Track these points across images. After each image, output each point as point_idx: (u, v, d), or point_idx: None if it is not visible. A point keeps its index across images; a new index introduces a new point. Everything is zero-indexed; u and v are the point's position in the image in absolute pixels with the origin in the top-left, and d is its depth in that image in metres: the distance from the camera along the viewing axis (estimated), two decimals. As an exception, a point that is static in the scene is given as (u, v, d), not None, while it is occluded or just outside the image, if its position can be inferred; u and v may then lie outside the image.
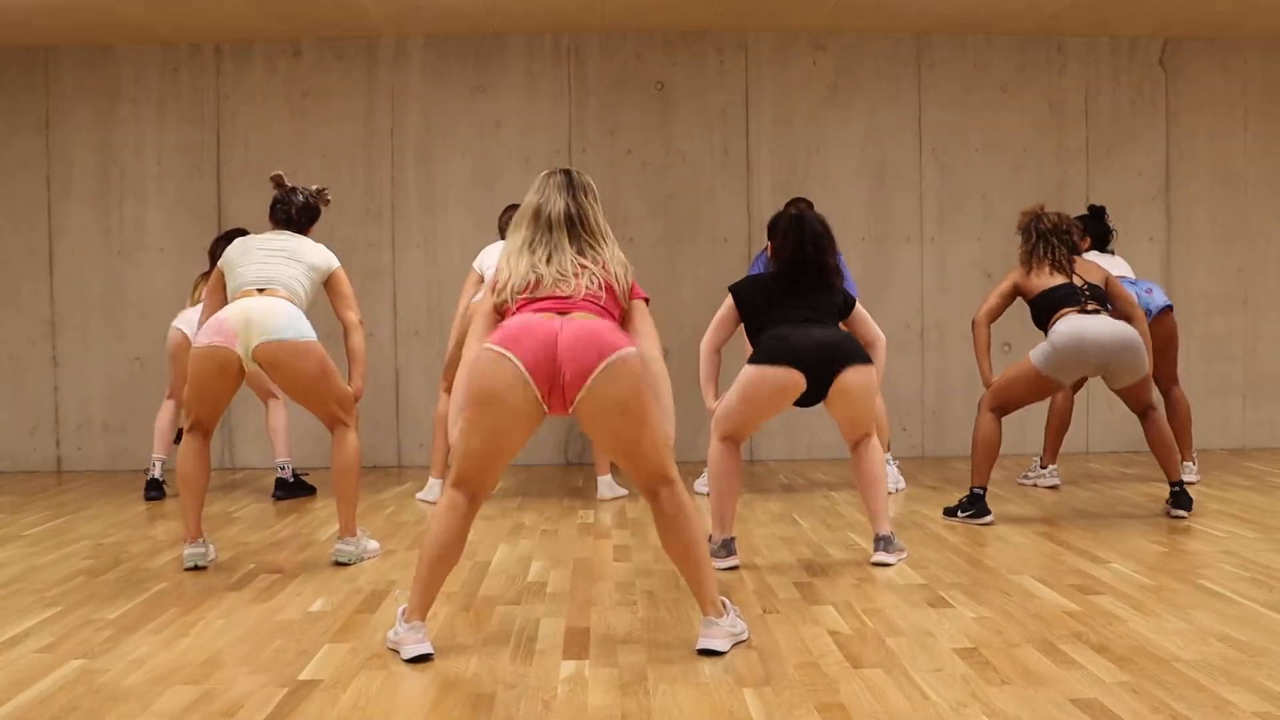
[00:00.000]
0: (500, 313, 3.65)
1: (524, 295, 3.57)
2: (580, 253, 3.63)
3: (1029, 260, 5.87)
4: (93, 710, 3.09)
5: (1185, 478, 6.75)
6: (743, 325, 4.99)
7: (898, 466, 7.00)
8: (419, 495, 6.70)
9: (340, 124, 8.18)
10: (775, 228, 4.98)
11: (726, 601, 3.68)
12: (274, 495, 6.82)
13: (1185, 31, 8.29)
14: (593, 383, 3.40)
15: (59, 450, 8.23)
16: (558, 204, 3.64)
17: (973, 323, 5.98)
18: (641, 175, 8.27)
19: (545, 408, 3.46)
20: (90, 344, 8.19)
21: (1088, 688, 3.18)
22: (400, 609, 3.65)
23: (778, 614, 4.04)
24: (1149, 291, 6.67)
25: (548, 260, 3.59)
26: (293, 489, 6.83)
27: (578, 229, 3.64)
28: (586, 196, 3.68)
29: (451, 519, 3.53)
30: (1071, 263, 5.83)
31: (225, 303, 4.92)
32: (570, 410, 3.47)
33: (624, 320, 3.68)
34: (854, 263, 8.11)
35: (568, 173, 3.73)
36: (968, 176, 8.37)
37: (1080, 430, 8.33)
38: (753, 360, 4.74)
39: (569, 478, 7.50)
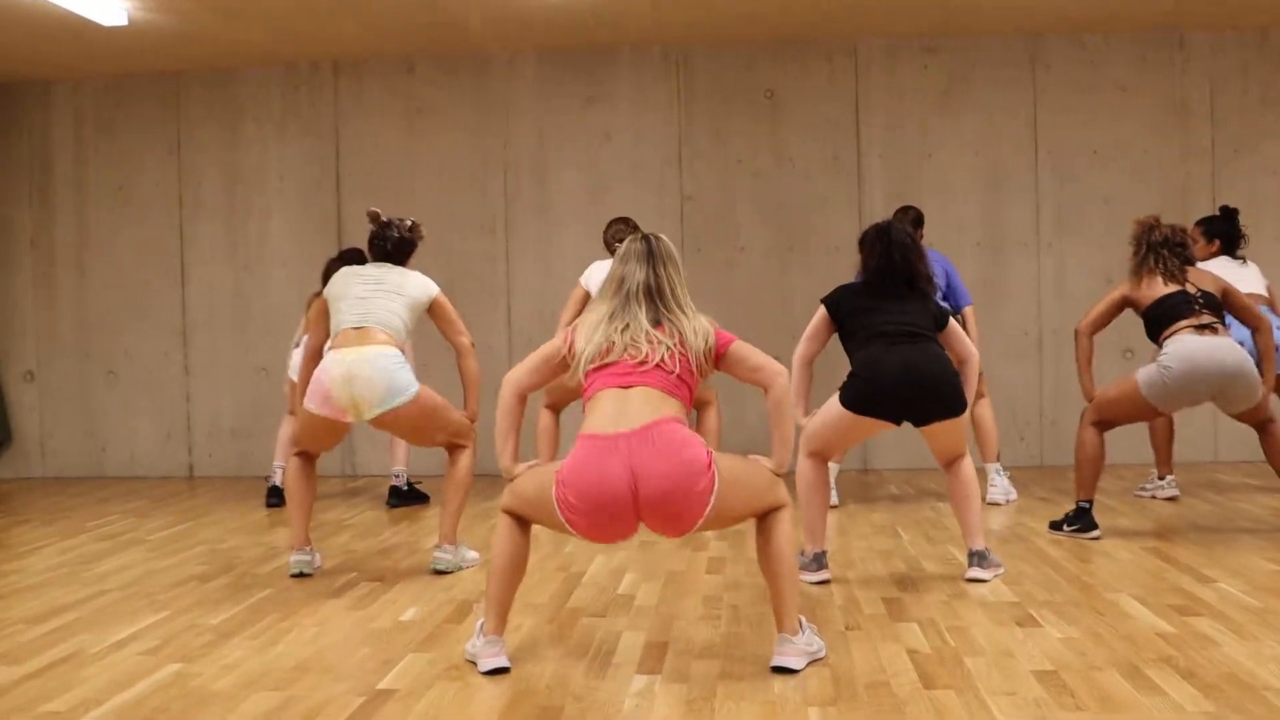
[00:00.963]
0: (560, 370, 3.68)
1: (595, 364, 3.58)
2: (656, 323, 3.61)
3: (1139, 271, 5.70)
4: (181, 712, 3.23)
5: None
6: (838, 335, 4.96)
7: (1008, 477, 6.87)
8: None
9: (454, 138, 8.36)
10: (864, 242, 4.95)
11: (803, 620, 3.68)
12: (388, 503, 7.01)
13: (1320, 20, 7.97)
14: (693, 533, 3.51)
15: (191, 457, 8.59)
16: (638, 275, 3.65)
17: (1075, 332, 5.82)
18: (752, 184, 8.27)
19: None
20: (219, 354, 8.53)
21: (1166, 716, 3.10)
22: (479, 622, 3.73)
23: (859, 630, 4.01)
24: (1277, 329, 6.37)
25: (624, 330, 3.60)
26: (407, 497, 7.01)
27: (655, 300, 3.64)
28: (667, 267, 3.67)
29: (509, 538, 3.60)
30: (1184, 273, 5.65)
31: (327, 334, 5.05)
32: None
33: (726, 367, 3.66)
34: (969, 269, 8.01)
35: (648, 241, 3.72)
36: (1086, 181, 8.18)
37: (1208, 438, 8.09)
38: (843, 399, 4.70)
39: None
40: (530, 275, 8.34)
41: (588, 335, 3.63)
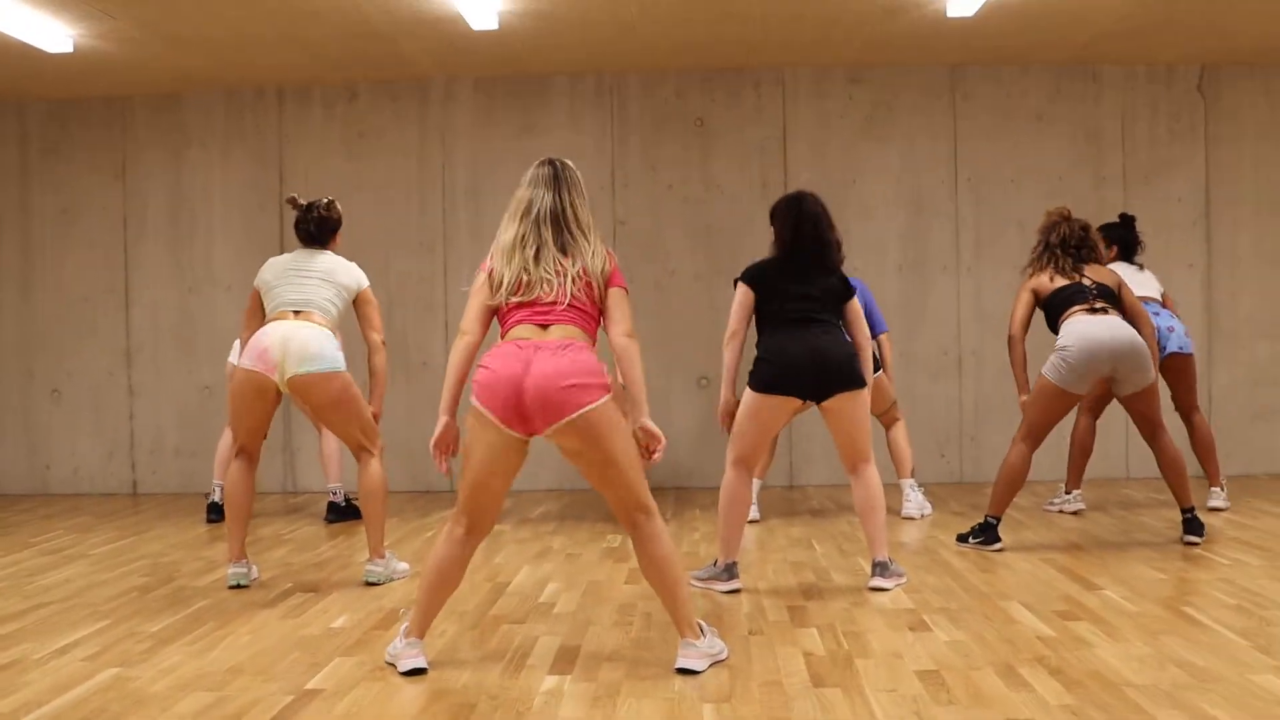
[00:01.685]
0: (494, 309, 3.95)
1: (515, 298, 3.85)
2: (563, 249, 3.86)
3: (1035, 263, 6.03)
4: (118, 714, 3.45)
5: (1213, 504, 6.86)
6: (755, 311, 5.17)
7: (923, 492, 7.17)
8: None
9: (394, 162, 8.60)
10: (775, 214, 5.19)
11: (704, 624, 3.94)
12: (326, 518, 7.21)
13: (1223, 57, 8.38)
14: (557, 429, 3.72)
15: (134, 474, 8.75)
16: (545, 200, 3.88)
17: (1010, 339, 6.04)
18: (682, 209, 8.56)
19: (524, 439, 3.76)
20: (163, 374, 8.70)
21: (1030, 709, 3.38)
22: (403, 626, 3.96)
23: (761, 635, 4.28)
24: (1170, 329, 6.72)
25: (536, 258, 3.84)
26: (344, 512, 7.21)
27: (561, 224, 3.88)
28: (572, 191, 3.92)
29: (449, 547, 3.84)
30: (1080, 271, 5.96)
31: (262, 322, 5.31)
32: (546, 437, 3.77)
33: (603, 310, 3.94)
34: (890, 292, 8.34)
35: (553, 165, 3.96)
36: (1004, 206, 8.53)
37: (1119, 456, 8.44)
38: (753, 382, 4.99)
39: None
40: (467, 295, 8.57)
41: (504, 260, 3.86)
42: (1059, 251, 6.00)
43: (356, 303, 5.43)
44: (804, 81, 8.54)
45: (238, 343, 7.14)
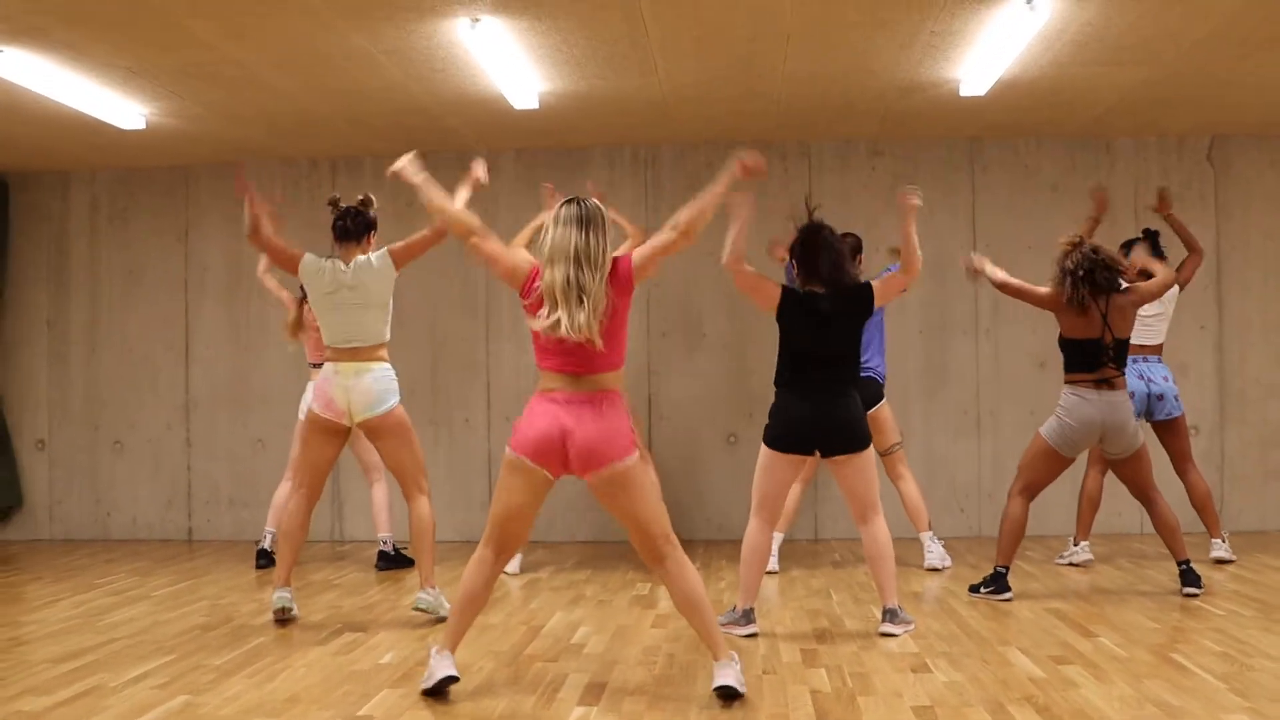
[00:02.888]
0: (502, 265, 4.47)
1: (551, 342, 4.27)
2: (583, 289, 4.22)
3: (1059, 290, 6.25)
4: (190, 736, 3.86)
5: (1217, 554, 7.14)
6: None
7: (943, 545, 7.48)
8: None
9: (440, 229, 9.07)
10: (794, 244, 5.67)
11: (734, 654, 4.33)
12: (376, 566, 7.62)
13: (1232, 129, 8.74)
14: (594, 479, 4.24)
15: (190, 521, 9.22)
16: (577, 239, 4.28)
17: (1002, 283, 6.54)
18: (715, 276, 8.96)
19: (555, 478, 4.29)
20: (219, 427, 9.19)
21: (1013, 740, 3.73)
22: (434, 649, 4.39)
23: (774, 674, 4.65)
24: (1159, 398, 7.05)
25: (578, 302, 4.20)
26: (394, 561, 7.61)
27: (583, 264, 4.27)
28: (596, 230, 4.34)
29: (479, 570, 4.36)
30: (1106, 304, 6.16)
31: (319, 341, 6.15)
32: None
33: (639, 270, 4.43)
34: (913, 354, 8.73)
35: (579, 204, 4.40)
36: (1021, 273, 8.82)
37: (1134, 512, 8.71)
38: (766, 439, 5.44)
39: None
40: (507, 354, 9.03)
41: (550, 304, 4.24)
42: (1080, 275, 6.15)
43: (398, 257, 5.93)
44: (828, 154, 8.98)
45: (309, 388, 7.56)
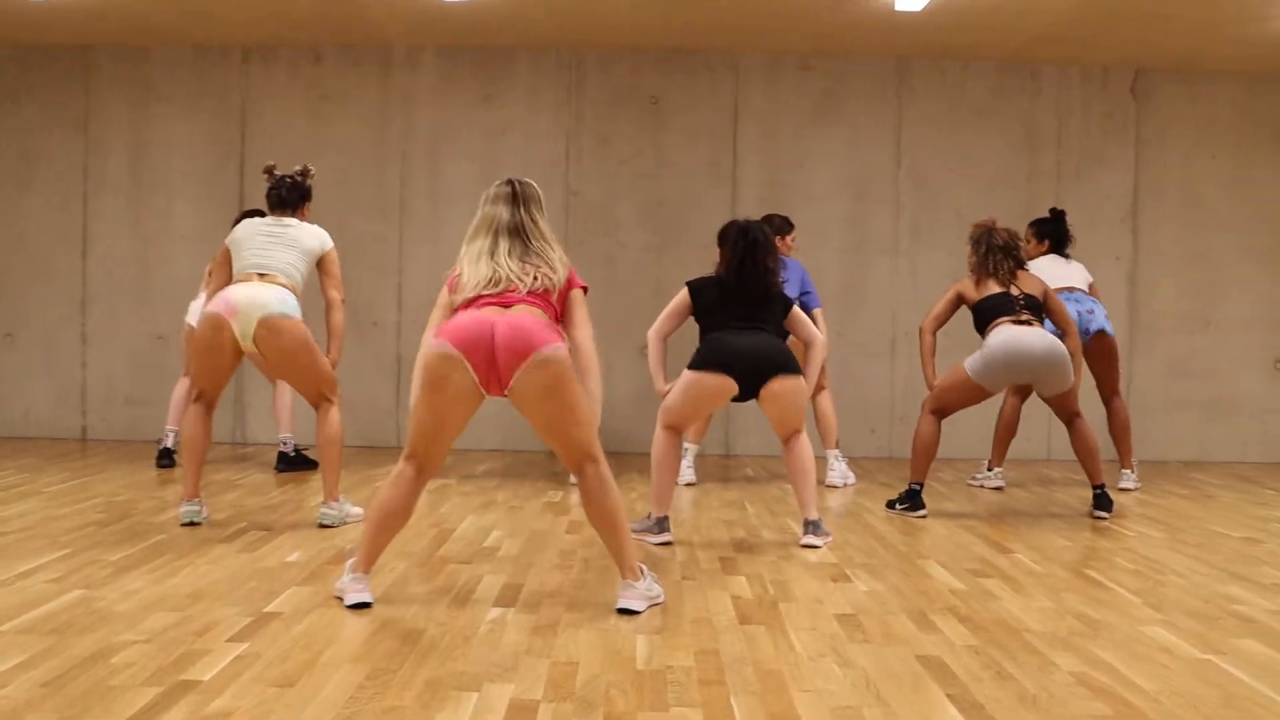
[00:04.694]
0: (455, 308, 4.21)
1: (477, 292, 4.12)
2: (524, 259, 4.17)
3: (978, 271, 6.34)
4: (87, 627, 3.67)
5: (1124, 484, 7.25)
6: (694, 320, 5.50)
7: (847, 463, 7.49)
8: None
9: (356, 126, 8.79)
10: (724, 238, 5.50)
11: (644, 568, 4.21)
12: (276, 468, 7.42)
13: (1155, 63, 8.76)
14: (523, 372, 3.96)
15: (85, 420, 8.89)
16: (506, 215, 4.19)
17: (920, 330, 6.48)
18: (634, 184, 8.83)
19: (484, 391, 4.02)
20: (118, 322, 8.85)
21: (936, 649, 3.70)
22: (349, 561, 4.21)
23: (693, 580, 4.58)
24: (1090, 312, 7.11)
25: (505, 259, 4.14)
26: (293, 463, 7.41)
27: (523, 236, 4.20)
28: (530, 208, 4.23)
29: (399, 487, 4.07)
30: (1014, 276, 6.32)
31: (229, 280, 5.54)
32: (505, 393, 4.02)
33: (564, 312, 4.24)
34: (831, 273, 8.65)
35: (512, 185, 4.26)
36: (942, 194, 8.88)
37: (1042, 438, 8.83)
38: (693, 364, 5.28)
39: (550, 463, 8.05)
40: (421, 257, 8.80)
41: (472, 268, 4.15)
42: (999, 255, 6.30)
43: (321, 263, 5.68)
44: (756, 66, 8.83)
45: (194, 303, 7.33)
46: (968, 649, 3.69)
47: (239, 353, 5.42)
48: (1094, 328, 7.06)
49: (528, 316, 4.03)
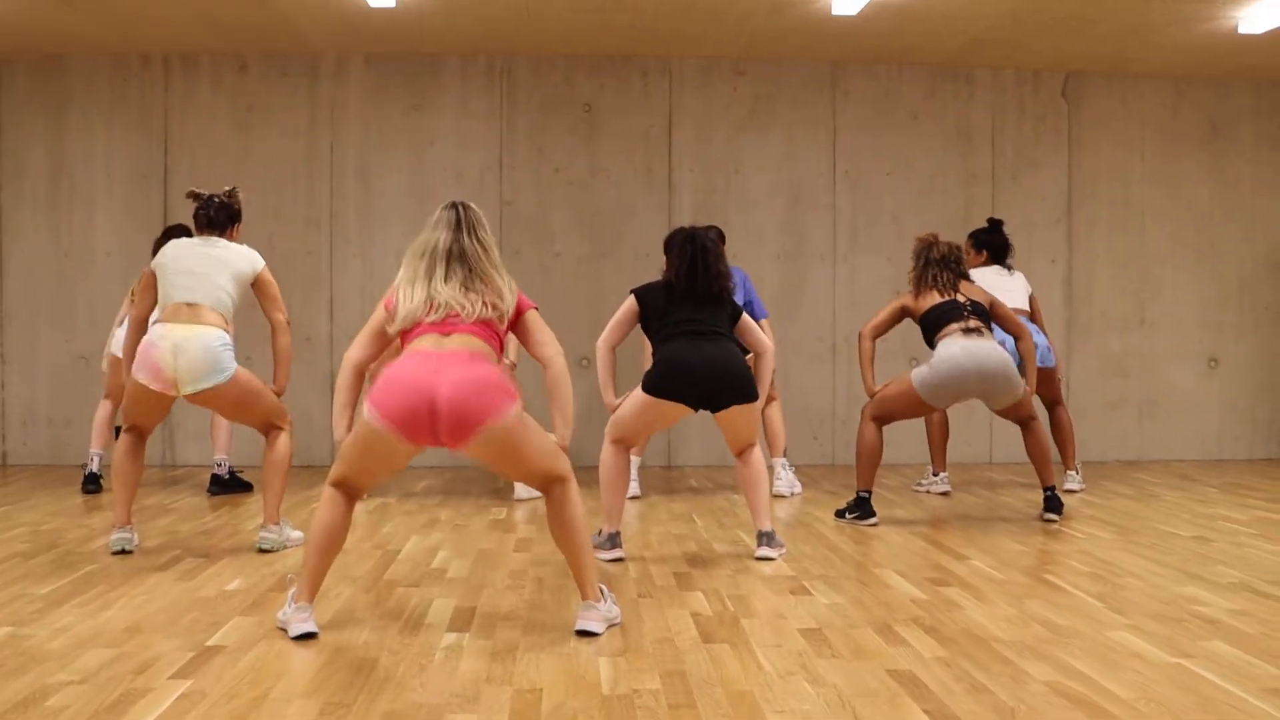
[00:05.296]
0: (389, 335, 4.04)
1: (414, 320, 3.92)
2: (468, 286, 3.95)
3: (918, 284, 6.31)
4: (16, 669, 3.45)
5: (1069, 486, 7.26)
6: (641, 328, 5.38)
7: (793, 471, 7.42)
8: None
9: (282, 138, 8.57)
10: (671, 245, 5.38)
11: (604, 589, 4.08)
12: (209, 490, 7.17)
13: (1086, 65, 8.82)
14: (470, 443, 3.79)
15: (4, 445, 8.56)
16: (446, 240, 3.99)
17: (859, 335, 6.41)
18: (568, 193, 8.70)
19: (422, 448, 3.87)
20: (38, 342, 8.53)
21: (907, 662, 3.61)
22: (291, 591, 4.03)
23: (650, 598, 4.45)
24: (1043, 347, 7.07)
25: (443, 282, 3.94)
26: (228, 485, 7.18)
27: (468, 261, 3.98)
28: (476, 232, 4.02)
29: (333, 510, 3.90)
30: (956, 286, 6.28)
31: (154, 302, 5.30)
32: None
33: (523, 335, 4.10)
34: (769, 279, 8.58)
35: (457, 210, 4.06)
36: (879, 198, 8.85)
37: (983, 442, 8.83)
38: (646, 386, 5.13)
39: (491, 479, 7.89)
40: (352, 270, 8.60)
41: (407, 294, 3.96)
42: (939, 268, 6.25)
43: (256, 285, 5.42)
44: (690, 72, 8.75)
45: (119, 330, 7.02)
46: (938, 661, 3.61)
47: (170, 402, 5.23)
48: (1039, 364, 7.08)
49: (473, 371, 3.80)
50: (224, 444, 7.17)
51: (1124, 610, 4.26)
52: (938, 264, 6.27)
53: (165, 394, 5.12)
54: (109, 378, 7.11)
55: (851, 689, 3.33)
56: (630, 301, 5.34)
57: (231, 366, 5.17)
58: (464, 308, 3.91)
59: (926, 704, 3.20)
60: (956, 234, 7.64)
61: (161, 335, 5.10)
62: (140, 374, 5.10)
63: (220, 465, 7.19)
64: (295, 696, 3.22)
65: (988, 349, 5.99)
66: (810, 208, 8.82)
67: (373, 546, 5.44)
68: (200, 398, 5.16)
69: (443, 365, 3.77)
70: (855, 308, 8.79)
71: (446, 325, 3.89)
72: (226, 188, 5.56)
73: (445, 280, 3.95)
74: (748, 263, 8.22)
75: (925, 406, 6.15)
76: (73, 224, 8.55)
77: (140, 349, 5.16)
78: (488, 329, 3.95)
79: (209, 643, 3.76)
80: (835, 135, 8.84)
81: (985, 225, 7.49)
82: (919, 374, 6.06)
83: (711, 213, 8.20)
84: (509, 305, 4.02)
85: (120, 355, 6.73)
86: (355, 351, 4.06)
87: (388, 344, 4.10)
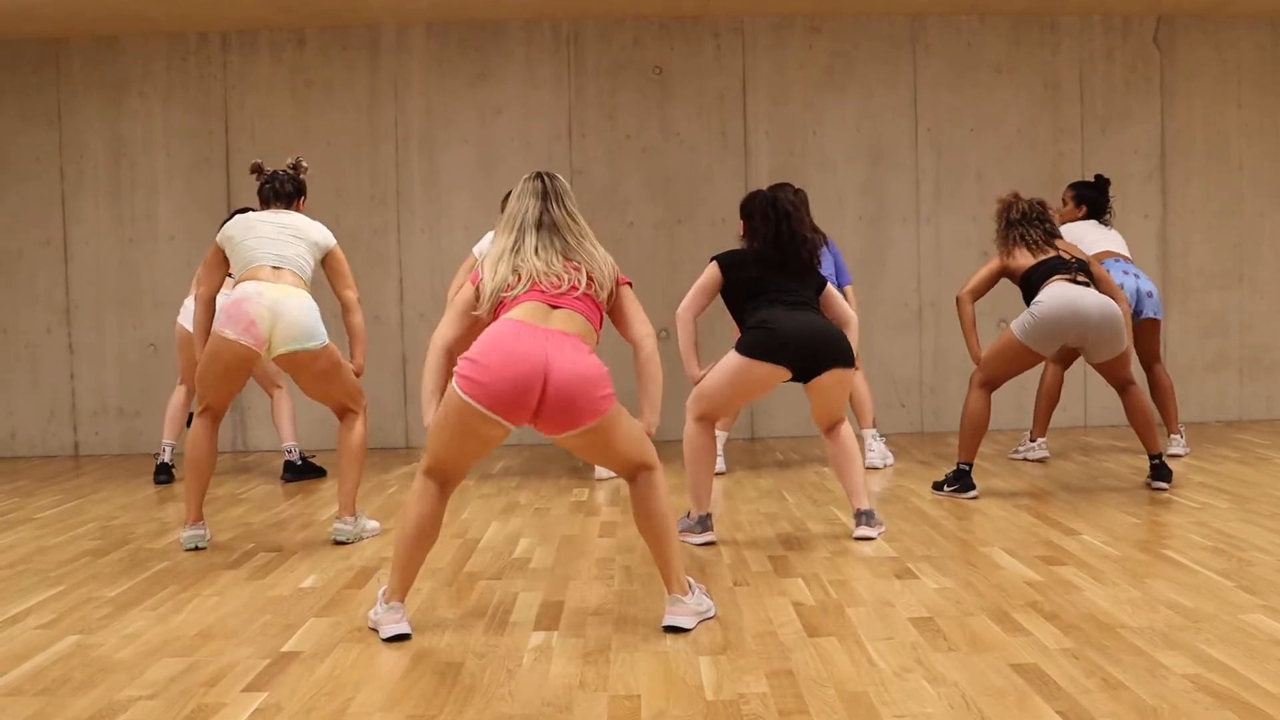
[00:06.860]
0: (478, 315, 3.78)
1: (508, 293, 3.69)
2: (566, 255, 3.75)
3: (1004, 245, 6.00)
4: (84, 681, 3.28)
5: (1173, 450, 6.89)
6: (723, 299, 5.09)
7: (884, 442, 7.13)
8: None
9: (344, 113, 8.35)
10: (752, 210, 5.07)
11: (692, 581, 3.82)
12: (282, 477, 7.02)
13: (1177, 9, 8.36)
14: (563, 437, 3.60)
15: (76, 435, 8.47)
16: (536, 210, 3.78)
17: (957, 299, 6.08)
18: (640, 159, 8.41)
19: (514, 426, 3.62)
20: (105, 331, 8.42)
21: (1030, 654, 3.32)
22: (381, 590, 3.81)
23: (747, 587, 4.19)
24: (1150, 295, 6.77)
25: (535, 254, 3.72)
26: (301, 471, 7.02)
27: (560, 231, 3.77)
28: (564, 202, 3.81)
29: (425, 503, 3.66)
30: (1050, 242, 5.94)
31: (223, 278, 5.11)
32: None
33: (615, 311, 3.87)
34: (850, 243, 8.25)
35: (542, 179, 3.84)
36: (963, 156, 8.47)
37: (1078, 405, 8.46)
38: (742, 349, 4.83)
39: (569, 457, 7.65)
40: (420, 247, 8.39)
41: (492, 269, 3.73)
42: (1024, 226, 5.96)
43: (328, 261, 5.20)
44: (763, 30, 8.40)
45: (188, 301, 6.89)
46: (1064, 653, 3.32)
47: (253, 365, 5.02)
48: (1146, 313, 6.72)
49: (584, 362, 3.55)
50: (289, 430, 7.00)
51: (1256, 589, 3.94)
52: (1020, 222, 5.96)
53: (251, 353, 4.87)
54: (180, 359, 6.96)
55: (974, 687, 3.06)
56: (713, 269, 5.05)
57: (324, 335, 4.98)
58: (564, 279, 3.69)
59: (1059, 703, 2.92)
60: (1045, 192, 7.29)
61: (258, 291, 4.89)
62: (229, 329, 4.85)
63: (290, 452, 7.02)
64: (375, 709, 3.00)
65: (1094, 294, 5.70)
66: (891, 168, 8.46)
67: (452, 535, 5.22)
68: (289, 360, 4.92)
69: (551, 342, 3.53)
70: (940, 271, 8.44)
71: (551, 297, 3.66)
72: (290, 160, 5.35)
73: (539, 250, 3.73)
74: (828, 227, 7.83)
75: (1029, 355, 5.80)
76: (135, 209, 8.41)
77: (230, 305, 4.90)
78: (590, 304, 3.73)
79: (284, 648, 3.55)
80: (916, 92, 8.46)
81: (1092, 180, 7.12)
82: (1020, 322, 5.75)
83: (789, 175, 7.87)
84: (609, 279, 3.80)
85: (190, 328, 6.54)
86: (444, 330, 3.81)
87: (478, 324, 3.81)
